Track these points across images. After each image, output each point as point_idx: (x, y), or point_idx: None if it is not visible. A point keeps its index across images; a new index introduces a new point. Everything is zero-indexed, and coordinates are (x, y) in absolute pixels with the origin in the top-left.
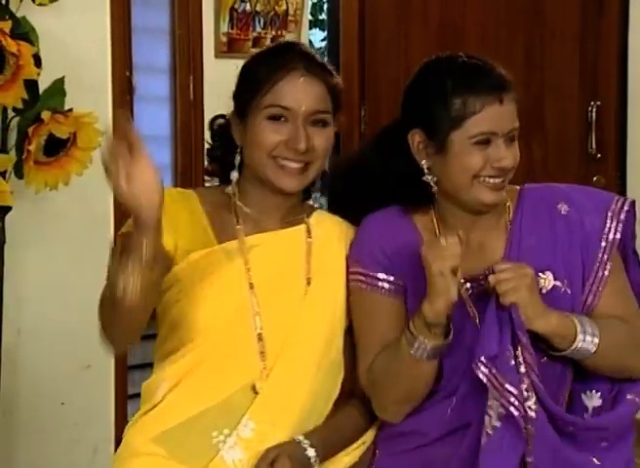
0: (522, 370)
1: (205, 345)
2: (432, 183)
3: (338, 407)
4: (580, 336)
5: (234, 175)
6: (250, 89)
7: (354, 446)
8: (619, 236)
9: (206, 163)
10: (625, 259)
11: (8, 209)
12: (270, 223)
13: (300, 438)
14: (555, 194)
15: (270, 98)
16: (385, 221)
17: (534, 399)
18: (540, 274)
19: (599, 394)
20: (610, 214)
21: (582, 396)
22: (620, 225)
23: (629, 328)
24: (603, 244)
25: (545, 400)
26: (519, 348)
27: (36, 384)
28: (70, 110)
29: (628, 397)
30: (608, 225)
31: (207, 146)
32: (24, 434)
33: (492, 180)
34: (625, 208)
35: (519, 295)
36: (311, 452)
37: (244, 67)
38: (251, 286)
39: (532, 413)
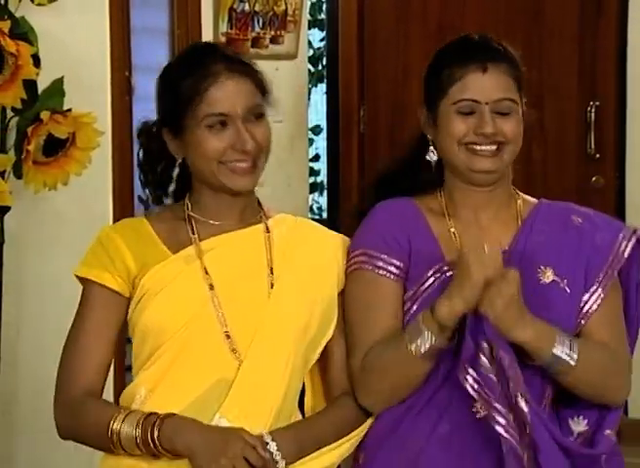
0: (507, 369)
1: (173, 348)
2: (432, 157)
3: (328, 404)
4: (557, 349)
5: (170, 188)
6: (180, 104)
7: (344, 439)
8: (626, 257)
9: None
10: (627, 293)
11: (7, 209)
12: (228, 226)
13: (264, 432)
14: (571, 208)
15: (205, 109)
16: (393, 207)
17: (527, 408)
18: (542, 267)
19: (586, 421)
20: (621, 235)
21: (570, 421)
22: (629, 250)
23: (612, 353)
24: (610, 259)
25: (534, 406)
26: (494, 350)
27: (36, 384)
28: (69, 110)
29: (607, 432)
30: (618, 243)
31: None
32: (24, 434)
33: (478, 147)
34: (637, 235)
35: (492, 309)
36: (273, 447)
37: (163, 81)
38: (211, 287)
39: (524, 407)
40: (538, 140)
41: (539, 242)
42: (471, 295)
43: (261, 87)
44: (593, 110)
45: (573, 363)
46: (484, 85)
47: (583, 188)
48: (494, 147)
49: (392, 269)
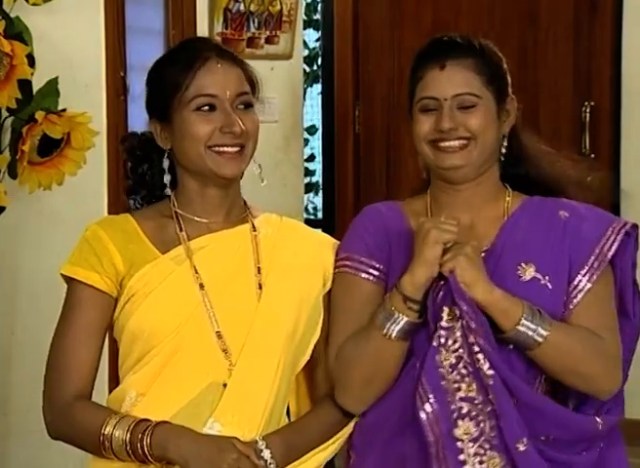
0: (471, 339)
1: (164, 351)
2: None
3: (313, 406)
4: (525, 319)
5: (167, 177)
6: (169, 88)
7: (330, 441)
8: (614, 250)
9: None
10: (623, 290)
11: (2, 209)
12: (215, 224)
13: (258, 439)
14: (559, 204)
15: (194, 90)
16: (379, 212)
17: (487, 365)
18: (523, 264)
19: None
20: (611, 229)
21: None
22: (617, 243)
23: (596, 338)
24: (597, 251)
25: (499, 365)
26: (462, 319)
27: (30, 385)
28: (64, 110)
29: (597, 419)
30: (607, 236)
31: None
32: (18, 435)
33: (442, 144)
34: (627, 228)
35: (456, 263)
36: (267, 454)
37: (153, 73)
38: (201, 286)
39: (490, 372)
40: None
41: (521, 239)
42: (432, 256)
43: (251, 80)
44: (588, 110)
45: (544, 332)
46: (442, 81)
47: None
48: (458, 143)
49: (372, 271)
